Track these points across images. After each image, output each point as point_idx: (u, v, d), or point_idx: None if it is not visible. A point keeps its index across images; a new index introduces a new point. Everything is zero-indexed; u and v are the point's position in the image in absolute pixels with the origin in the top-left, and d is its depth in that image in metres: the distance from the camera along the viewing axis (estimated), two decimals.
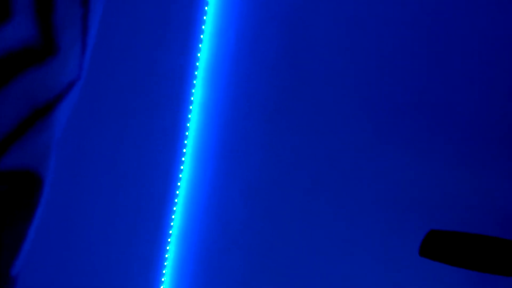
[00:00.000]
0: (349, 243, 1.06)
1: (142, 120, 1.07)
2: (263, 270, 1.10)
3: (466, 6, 0.99)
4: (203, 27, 1.05)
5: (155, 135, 1.07)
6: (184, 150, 1.09)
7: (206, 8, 1.04)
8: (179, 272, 1.13)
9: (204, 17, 1.05)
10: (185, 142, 1.09)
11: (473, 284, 1.03)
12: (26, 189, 0.41)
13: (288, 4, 1.03)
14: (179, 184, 1.10)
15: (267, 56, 1.05)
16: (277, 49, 1.05)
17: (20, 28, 0.35)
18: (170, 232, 1.12)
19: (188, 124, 1.08)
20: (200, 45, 1.06)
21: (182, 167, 1.09)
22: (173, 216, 1.11)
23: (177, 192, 1.10)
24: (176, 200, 1.10)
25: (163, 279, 1.12)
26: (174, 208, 1.11)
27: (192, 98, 1.07)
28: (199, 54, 1.06)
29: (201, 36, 1.05)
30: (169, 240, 1.11)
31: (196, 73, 1.07)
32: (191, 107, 1.08)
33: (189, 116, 1.08)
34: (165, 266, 1.12)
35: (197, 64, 1.06)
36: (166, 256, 1.12)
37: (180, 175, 1.10)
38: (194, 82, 1.07)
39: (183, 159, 1.09)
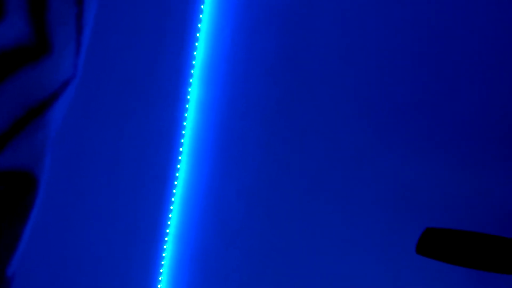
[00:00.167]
0: (347, 242, 1.07)
1: (139, 119, 1.07)
2: (260, 270, 1.10)
3: (466, 6, 0.99)
4: (199, 25, 1.05)
5: (151, 134, 1.07)
6: (181, 149, 1.09)
7: (202, 6, 1.04)
8: (176, 272, 1.13)
9: (200, 16, 1.04)
10: (182, 141, 1.08)
11: (469, 282, 1.03)
12: (21, 189, 0.40)
13: (284, 3, 1.03)
14: (176, 183, 1.10)
15: (263, 55, 1.05)
16: (273, 48, 1.05)
17: (14, 27, 0.34)
18: (167, 231, 1.11)
19: (184, 123, 1.08)
20: (196, 44, 1.05)
21: (178, 166, 1.09)
22: (170, 216, 1.11)
23: (174, 191, 1.10)
24: (173, 200, 1.10)
25: (160, 279, 1.12)
26: (171, 208, 1.11)
27: (188, 97, 1.07)
28: (195, 53, 1.06)
29: (198, 35, 1.05)
30: (166, 239, 1.11)
31: (192, 71, 1.07)
32: (187, 106, 1.08)
33: (186, 115, 1.08)
34: (162, 265, 1.12)
35: (194, 62, 1.06)
36: (163, 255, 1.12)
37: (177, 174, 1.09)
38: (191, 80, 1.07)
39: (179, 158, 1.09)
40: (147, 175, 1.08)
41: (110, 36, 1.03)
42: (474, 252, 0.74)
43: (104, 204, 1.09)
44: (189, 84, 1.07)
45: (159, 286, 1.12)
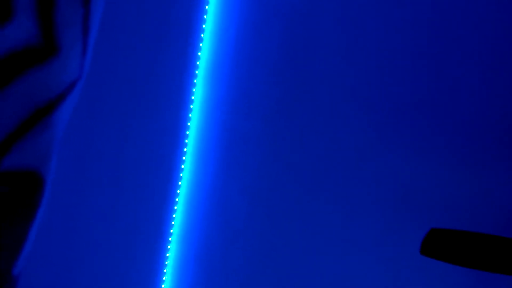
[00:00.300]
0: (350, 243, 1.07)
1: (143, 119, 1.07)
2: (264, 270, 1.10)
3: (466, 6, 0.99)
4: (203, 26, 1.05)
5: (156, 135, 1.07)
6: (185, 150, 1.09)
7: (206, 7, 1.04)
8: (180, 272, 1.13)
9: (205, 16, 1.05)
10: (186, 141, 1.09)
11: (474, 283, 1.03)
12: (28, 189, 0.41)
13: (288, 3, 1.03)
14: (180, 183, 1.10)
15: (267, 55, 1.05)
16: (277, 49, 1.05)
17: (22, 28, 0.35)
18: (171, 231, 1.12)
19: (189, 123, 1.08)
20: (200, 44, 1.06)
21: (183, 167, 1.09)
22: (174, 216, 1.11)
23: (178, 191, 1.10)
24: (177, 200, 1.11)
25: (164, 279, 1.13)
26: (175, 208, 1.11)
27: (193, 97, 1.08)
28: (199, 53, 1.06)
29: (202, 35, 1.05)
30: (170, 239, 1.12)
31: (196, 72, 1.07)
32: (192, 106, 1.08)
33: (190, 115, 1.08)
34: (166, 265, 1.12)
35: (198, 63, 1.06)
36: (167, 255, 1.12)
37: (181, 175, 1.10)
38: (195, 81, 1.07)
39: (184, 158, 1.09)
40: (151, 175, 1.09)
41: (114, 36, 1.03)
42: (479, 253, 0.74)
43: (108, 204, 1.09)
44: (194, 85, 1.07)
45: (163, 286, 1.12)
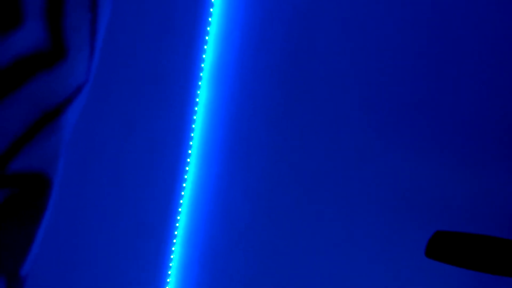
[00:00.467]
0: (354, 245, 1.06)
1: (148, 121, 1.07)
2: (268, 271, 1.10)
3: (466, 6, 0.99)
4: (208, 28, 1.05)
5: (160, 136, 1.08)
6: (190, 151, 1.09)
7: (211, 9, 1.05)
8: (184, 273, 1.13)
9: (209, 18, 1.05)
10: (191, 143, 1.09)
11: (479, 286, 1.02)
12: (36, 191, 0.41)
13: (293, 5, 1.04)
14: (184, 184, 1.10)
15: (272, 57, 1.05)
16: (282, 50, 1.05)
17: (32, 34, 0.35)
18: (176, 233, 1.12)
19: (193, 125, 1.09)
20: (205, 46, 1.06)
21: (187, 168, 1.10)
22: (178, 217, 1.11)
23: (183, 192, 1.11)
24: (181, 201, 1.11)
25: (168, 280, 1.13)
26: (180, 209, 1.11)
27: (197, 99, 1.08)
28: (204, 55, 1.06)
29: (206, 37, 1.06)
30: (174, 240, 1.12)
31: (201, 74, 1.07)
32: (196, 108, 1.08)
33: (195, 117, 1.08)
34: (170, 266, 1.13)
35: (202, 65, 1.07)
36: (172, 256, 1.12)
37: (186, 176, 1.10)
38: (199, 83, 1.07)
39: (188, 159, 1.10)
40: (156, 177, 1.09)
41: (118, 39, 1.04)
42: (485, 256, 0.74)
43: (113, 206, 1.10)
44: (198, 87, 1.07)
45: (167, 287, 1.12)
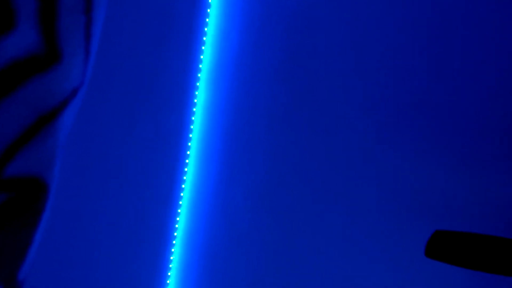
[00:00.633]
0: (354, 245, 1.06)
1: (146, 122, 1.07)
2: (268, 272, 1.10)
3: (466, 6, 0.99)
4: (205, 29, 1.05)
5: (159, 138, 1.08)
6: (188, 152, 1.09)
7: (208, 10, 1.05)
8: (184, 275, 1.13)
9: (207, 20, 1.05)
10: (189, 144, 1.09)
11: (479, 285, 1.02)
12: (32, 195, 0.41)
13: (290, 6, 1.04)
14: (183, 186, 1.10)
15: (269, 58, 1.05)
16: (279, 51, 1.05)
17: (25, 37, 0.35)
18: (175, 234, 1.12)
19: (191, 126, 1.08)
20: (203, 48, 1.06)
21: (186, 169, 1.10)
22: (177, 218, 1.11)
23: (182, 194, 1.11)
24: (180, 202, 1.11)
25: (168, 281, 1.13)
26: (179, 211, 1.11)
27: (195, 100, 1.08)
28: (202, 57, 1.06)
29: (204, 39, 1.05)
30: (174, 242, 1.12)
31: (199, 75, 1.07)
32: (194, 109, 1.08)
33: (193, 118, 1.08)
34: (170, 268, 1.12)
35: (200, 66, 1.07)
36: (171, 258, 1.12)
37: (184, 177, 1.10)
38: (197, 84, 1.07)
39: (187, 161, 1.09)
40: (155, 178, 1.09)
41: (116, 41, 1.04)
42: (484, 255, 0.74)
43: (112, 208, 1.10)
44: (196, 88, 1.07)
45: None
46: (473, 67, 1.00)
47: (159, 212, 1.10)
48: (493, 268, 0.74)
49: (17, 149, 0.38)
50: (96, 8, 0.39)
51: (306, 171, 1.07)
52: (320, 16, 1.03)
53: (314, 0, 1.03)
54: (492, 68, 0.99)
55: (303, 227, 1.08)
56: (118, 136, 1.08)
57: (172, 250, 1.12)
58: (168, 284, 1.13)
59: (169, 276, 1.13)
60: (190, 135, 1.09)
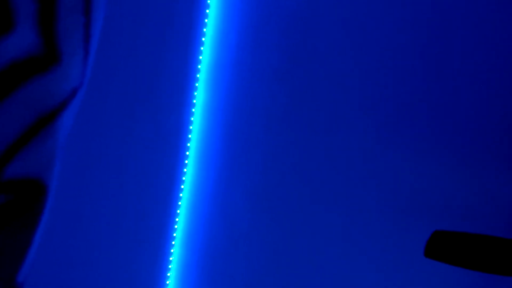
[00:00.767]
0: (353, 245, 1.06)
1: (145, 123, 1.07)
2: (267, 272, 1.10)
3: (466, 6, 0.99)
4: (204, 29, 1.05)
5: (158, 138, 1.08)
6: (187, 153, 1.09)
7: (207, 11, 1.05)
8: (183, 275, 1.13)
9: (206, 20, 1.05)
10: (188, 144, 1.09)
11: (478, 285, 1.02)
12: (31, 197, 0.41)
13: (289, 7, 1.03)
14: (182, 186, 1.10)
15: (268, 58, 1.05)
16: (278, 52, 1.05)
17: (24, 38, 0.35)
18: (174, 235, 1.12)
19: (190, 127, 1.08)
20: (201, 48, 1.06)
21: (185, 170, 1.10)
22: (177, 219, 1.11)
23: (181, 195, 1.10)
24: (179, 203, 1.11)
25: (167, 282, 1.13)
26: (178, 211, 1.11)
27: (194, 101, 1.08)
28: (201, 57, 1.06)
29: (203, 39, 1.05)
30: (173, 242, 1.12)
31: (198, 75, 1.07)
32: (193, 110, 1.08)
33: (192, 118, 1.08)
34: (169, 269, 1.12)
35: (199, 66, 1.07)
36: (171, 258, 1.12)
37: (184, 178, 1.10)
38: (196, 84, 1.07)
39: (186, 161, 1.09)
40: (154, 178, 1.09)
41: (115, 41, 1.04)
42: (483, 255, 0.74)
43: (111, 208, 1.09)
44: (195, 88, 1.07)
45: None
46: (473, 67, 1.00)
47: (159, 212, 1.10)
48: (493, 268, 0.74)
49: (17, 150, 0.38)
50: (95, 9, 0.39)
51: (305, 171, 1.07)
52: (318, 17, 1.03)
53: (312, 1, 1.03)
54: (492, 68, 0.99)
55: (302, 228, 1.08)
56: (118, 137, 1.08)
57: (172, 250, 1.12)
58: (167, 284, 1.12)
59: (168, 276, 1.13)
60: (189, 136, 1.09)
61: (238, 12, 1.04)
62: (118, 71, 1.05)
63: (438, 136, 1.02)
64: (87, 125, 1.05)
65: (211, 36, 1.06)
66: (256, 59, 1.05)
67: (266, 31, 1.05)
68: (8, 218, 0.40)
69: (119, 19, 1.03)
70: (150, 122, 1.07)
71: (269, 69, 1.06)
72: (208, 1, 1.04)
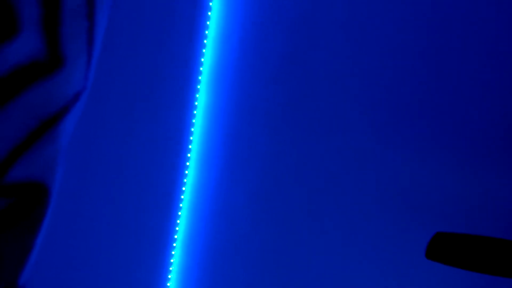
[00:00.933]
0: (354, 246, 1.06)
1: (147, 124, 1.07)
2: (269, 273, 1.10)
3: (466, 6, 0.99)
4: (206, 31, 1.05)
5: (159, 140, 1.08)
6: (189, 155, 1.09)
7: (209, 13, 1.05)
8: (184, 277, 1.13)
9: (208, 22, 1.05)
10: (190, 146, 1.09)
11: (480, 287, 1.02)
12: (33, 200, 0.41)
13: (291, 7, 1.04)
14: (183, 188, 1.10)
15: (270, 60, 1.05)
16: (280, 53, 1.05)
17: (28, 43, 0.35)
18: (175, 237, 1.12)
19: (192, 129, 1.08)
20: (203, 50, 1.06)
21: (186, 171, 1.10)
22: (178, 220, 1.11)
23: (182, 196, 1.10)
24: (181, 205, 1.11)
25: (168, 284, 1.13)
26: (179, 213, 1.11)
27: (196, 103, 1.08)
28: (202, 59, 1.06)
29: (205, 41, 1.05)
30: (174, 245, 1.12)
31: (200, 77, 1.07)
32: (195, 112, 1.08)
33: (193, 120, 1.08)
34: (170, 270, 1.12)
35: (201, 68, 1.07)
36: (172, 261, 1.12)
37: (185, 179, 1.10)
38: (198, 86, 1.07)
39: (187, 163, 1.09)
40: (155, 180, 1.09)
41: (117, 42, 1.04)
42: (485, 257, 0.74)
43: (113, 210, 1.09)
44: (197, 90, 1.07)
45: None
46: (473, 67, 1.00)
47: (160, 214, 1.10)
48: (494, 270, 0.74)
49: (19, 154, 0.38)
50: (98, 13, 0.39)
51: (307, 173, 1.07)
52: (320, 19, 1.03)
53: (314, 4, 1.03)
54: (492, 68, 0.99)
55: (304, 229, 1.08)
56: (119, 139, 1.08)
57: (173, 252, 1.12)
58: (168, 286, 1.12)
59: (169, 278, 1.13)
60: (191, 138, 1.09)
61: (240, 14, 1.05)
62: (119, 72, 1.05)
63: (439, 136, 1.02)
64: (88, 126, 1.05)
65: (213, 38, 1.06)
66: (258, 61, 1.05)
67: (268, 33, 1.05)
68: (11, 221, 0.40)
69: (121, 21, 1.03)
70: (152, 124, 1.07)
71: (270, 71, 1.06)
72: (210, 3, 1.04)
